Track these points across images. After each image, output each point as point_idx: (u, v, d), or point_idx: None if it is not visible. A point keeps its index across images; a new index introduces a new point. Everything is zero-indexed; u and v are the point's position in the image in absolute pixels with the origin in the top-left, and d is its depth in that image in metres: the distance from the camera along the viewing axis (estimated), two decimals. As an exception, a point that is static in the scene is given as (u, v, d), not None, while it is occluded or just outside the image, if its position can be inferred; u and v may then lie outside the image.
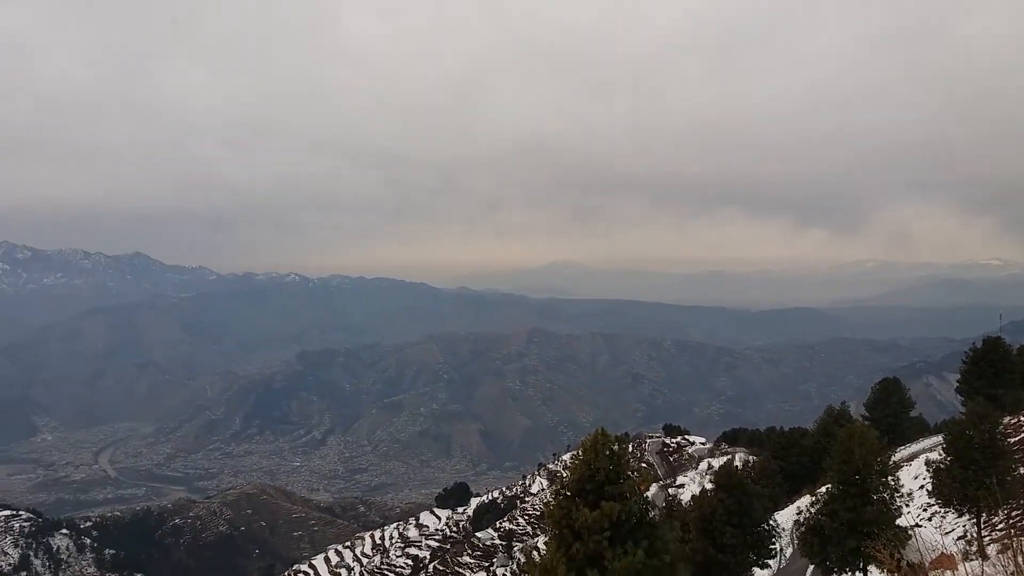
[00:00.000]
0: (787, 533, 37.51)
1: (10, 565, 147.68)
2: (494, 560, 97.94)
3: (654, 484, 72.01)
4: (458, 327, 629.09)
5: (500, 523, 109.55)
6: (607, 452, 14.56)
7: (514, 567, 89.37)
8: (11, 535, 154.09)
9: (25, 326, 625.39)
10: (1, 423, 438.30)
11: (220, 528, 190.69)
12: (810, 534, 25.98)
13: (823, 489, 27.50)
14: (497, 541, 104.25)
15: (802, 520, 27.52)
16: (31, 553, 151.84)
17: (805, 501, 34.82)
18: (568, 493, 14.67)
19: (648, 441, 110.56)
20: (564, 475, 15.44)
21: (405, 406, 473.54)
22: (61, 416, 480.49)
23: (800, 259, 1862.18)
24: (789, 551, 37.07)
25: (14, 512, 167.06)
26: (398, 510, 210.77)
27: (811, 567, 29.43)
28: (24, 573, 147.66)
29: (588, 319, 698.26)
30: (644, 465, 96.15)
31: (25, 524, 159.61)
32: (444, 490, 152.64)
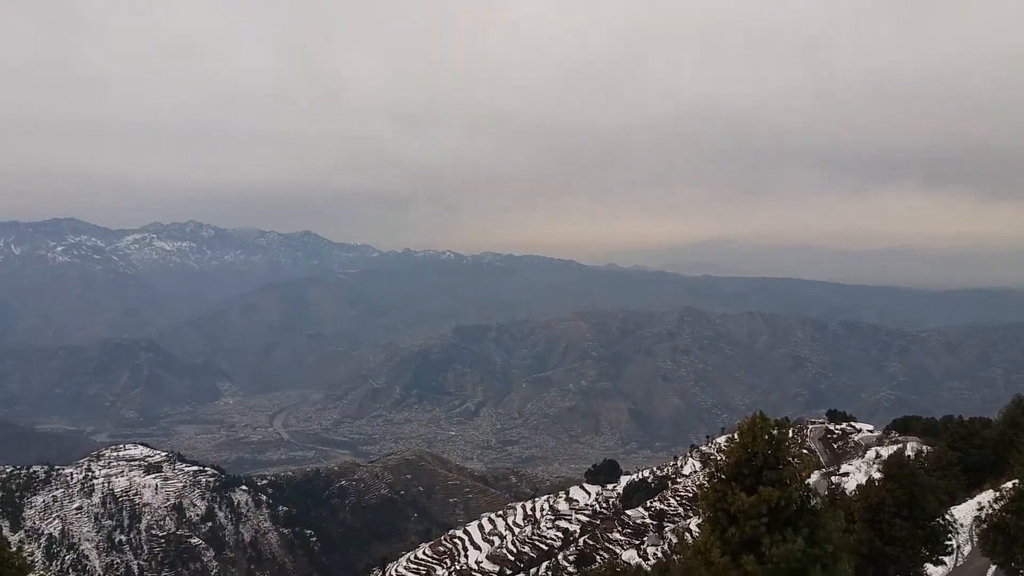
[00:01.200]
0: (965, 530, 34.75)
1: (198, 515, 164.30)
2: (644, 539, 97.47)
3: (816, 471, 68.73)
4: (607, 304, 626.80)
5: (650, 502, 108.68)
6: (766, 436, 14.12)
7: (665, 547, 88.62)
8: (199, 488, 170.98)
9: (209, 300, 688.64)
10: (190, 387, 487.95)
11: (382, 491, 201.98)
12: (993, 532, 23.96)
13: (1009, 484, 25.22)
14: (648, 520, 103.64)
15: (984, 517, 25.43)
16: (215, 506, 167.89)
17: (988, 496, 32.09)
18: (723, 476, 14.37)
19: (810, 427, 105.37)
20: (719, 458, 15.10)
21: (554, 382, 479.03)
22: (241, 382, 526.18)
23: (984, 235, 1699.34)
24: (967, 549, 34.36)
25: (201, 468, 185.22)
26: (548, 483, 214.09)
27: (992, 568, 27.18)
28: (210, 523, 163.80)
29: (745, 298, 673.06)
30: (805, 451, 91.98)
31: (210, 479, 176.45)
32: (593, 466, 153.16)
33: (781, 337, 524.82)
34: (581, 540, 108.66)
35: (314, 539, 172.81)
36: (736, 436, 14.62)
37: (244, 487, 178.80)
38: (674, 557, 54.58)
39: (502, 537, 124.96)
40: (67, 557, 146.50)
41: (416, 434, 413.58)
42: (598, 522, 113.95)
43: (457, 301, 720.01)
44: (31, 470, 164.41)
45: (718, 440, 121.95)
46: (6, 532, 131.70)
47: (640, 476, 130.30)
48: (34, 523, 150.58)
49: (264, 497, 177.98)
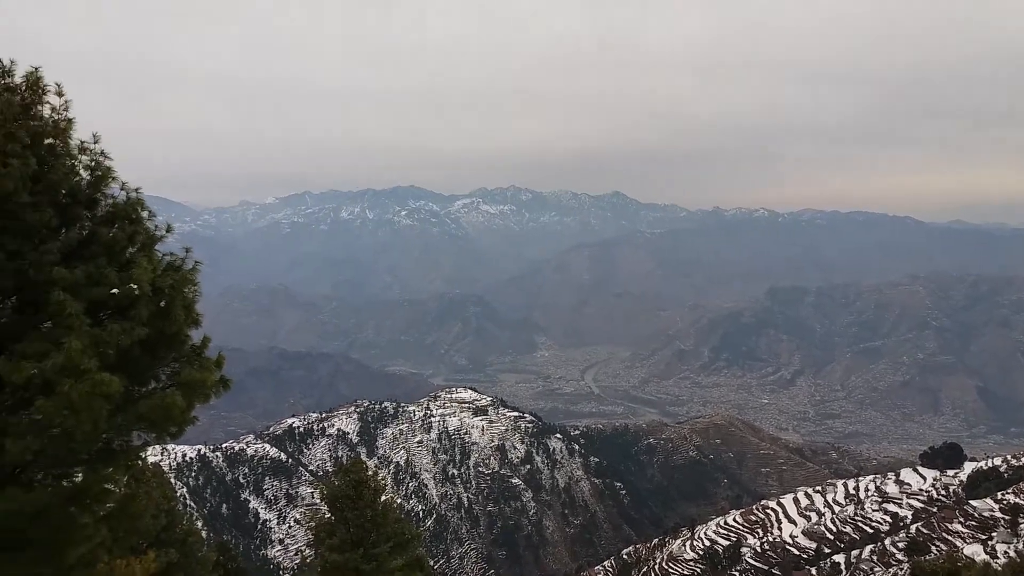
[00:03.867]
0: None
1: (518, 457, 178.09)
2: (993, 535, 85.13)
3: None
4: (951, 267, 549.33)
5: (1002, 494, 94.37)
6: None
7: (1020, 546, 76.55)
8: (519, 433, 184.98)
9: (527, 259, 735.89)
10: (511, 339, 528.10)
11: (690, 453, 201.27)
12: None
13: None
14: (998, 514, 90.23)
15: None
16: (533, 450, 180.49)
17: None
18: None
19: None
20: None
21: (884, 353, 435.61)
22: (555, 336, 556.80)
23: None
24: None
25: (520, 414, 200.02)
26: (874, 462, 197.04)
27: None
28: (528, 466, 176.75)
29: None
30: None
31: (529, 425, 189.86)
32: (930, 448, 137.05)
33: None
34: (913, 527, 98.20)
35: (623, 492, 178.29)
36: None
37: (558, 435, 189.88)
38: (1034, 561, 46.62)
39: (820, 514, 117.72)
40: (410, 484, 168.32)
41: (725, 399, 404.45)
42: (935, 510, 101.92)
43: (771, 262, 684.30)
44: (383, 405, 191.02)
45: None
46: (363, 457, 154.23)
47: (989, 463, 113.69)
48: (384, 452, 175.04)
49: (576, 447, 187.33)
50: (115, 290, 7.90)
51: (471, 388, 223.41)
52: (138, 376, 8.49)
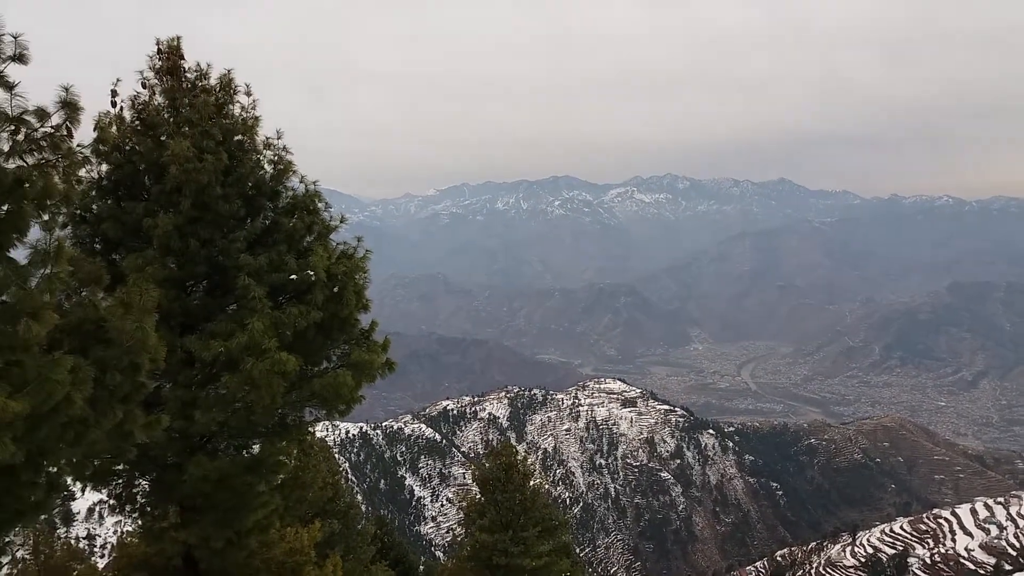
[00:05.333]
0: None
1: (668, 451, 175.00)
2: None
3: None
4: None
5: None
6: None
7: None
8: (669, 427, 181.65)
9: (683, 248, 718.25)
10: (663, 331, 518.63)
11: (854, 455, 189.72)
12: None
13: None
14: None
15: None
16: (684, 445, 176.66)
17: None
18: None
19: None
20: None
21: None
22: (710, 329, 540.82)
23: None
24: None
25: (671, 407, 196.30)
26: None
27: None
28: (678, 460, 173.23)
29: None
30: None
31: (680, 419, 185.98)
32: None
33: None
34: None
35: (779, 492, 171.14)
36: None
37: (711, 431, 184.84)
38: None
39: (1001, 527, 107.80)
40: (558, 471, 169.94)
41: (897, 400, 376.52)
42: None
43: (955, 254, 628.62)
44: (532, 392, 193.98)
45: None
46: (512, 442, 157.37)
47: None
48: (533, 437, 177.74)
49: (730, 444, 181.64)
50: (294, 276, 8.58)
51: (620, 379, 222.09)
52: (312, 356, 9.17)
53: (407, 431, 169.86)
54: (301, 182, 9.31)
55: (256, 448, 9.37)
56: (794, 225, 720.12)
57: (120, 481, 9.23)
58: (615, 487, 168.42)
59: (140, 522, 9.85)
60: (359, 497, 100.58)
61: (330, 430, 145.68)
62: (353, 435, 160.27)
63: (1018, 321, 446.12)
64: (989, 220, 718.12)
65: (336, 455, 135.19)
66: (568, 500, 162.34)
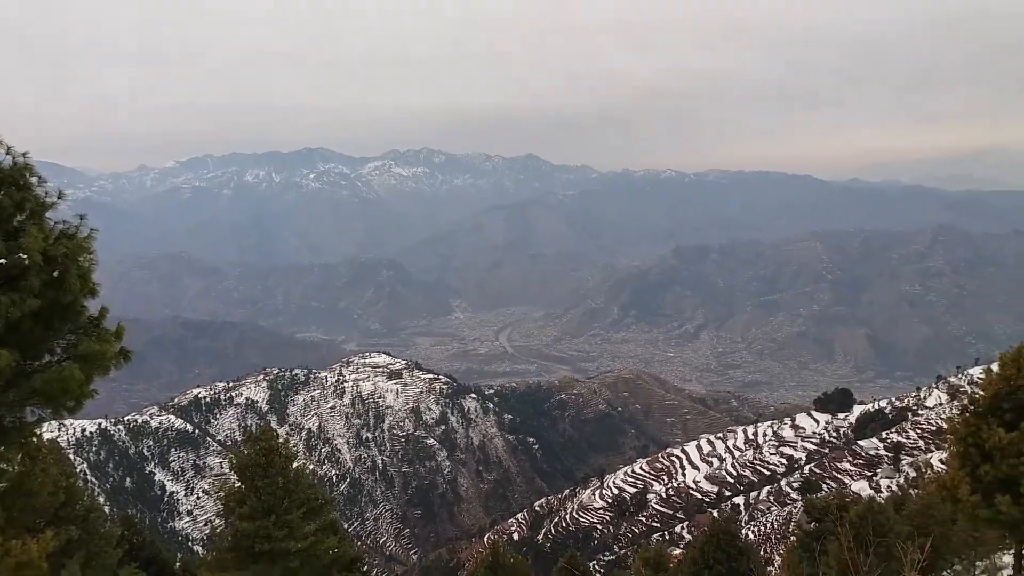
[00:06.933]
0: None
1: (433, 419, 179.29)
2: (878, 471, 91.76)
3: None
4: (847, 224, 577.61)
5: (887, 434, 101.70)
6: (1034, 367, 12.25)
7: (901, 480, 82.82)
8: (434, 395, 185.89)
9: (441, 221, 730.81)
10: (425, 302, 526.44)
11: (599, 406, 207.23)
12: None
13: None
14: (882, 452, 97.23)
15: None
16: (448, 411, 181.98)
17: None
18: (979, 410, 12.75)
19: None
20: (973, 391, 13.46)
21: (782, 306, 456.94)
22: (469, 298, 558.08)
23: None
24: None
25: (435, 376, 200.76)
26: (772, 409, 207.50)
27: None
28: (443, 426, 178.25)
29: (1015, 214, 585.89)
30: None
31: (444, 387, 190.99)
32: (824, 394, 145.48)
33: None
34: (807, 468, 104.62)
35: (536, 446, 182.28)
36: (997, 367, 12.83)
37: (473, 395, 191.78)
38: (912, 492, 50.78)
39: (721, 459, 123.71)
40: (323, 449, 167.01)
41: (633, 354, 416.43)
42: (826, 451, 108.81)
43: (677, 221, 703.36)
44: (293, 372, 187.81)
45: (970, 371, 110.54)
46: (273, 425, 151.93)
47: (876, 406, 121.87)
48: (296, 419, 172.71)
49: (491, 405, 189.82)
50: (3, 260, 7.66)
51: (385, 352, 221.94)
52: (31, 349, 8.27)
53: (154, 424, 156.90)
54: (8, 154, 8.27)
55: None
56: (541, 198, 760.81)
57: None
58: (383, 459, 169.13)
59: None
60: (101, 499, 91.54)
61: (62, 429, 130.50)
62: (91, 433, 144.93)
63: (729, 278, 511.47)
64: (705, 191, 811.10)
65: (71, 456, 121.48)
66: (335, 477, 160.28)
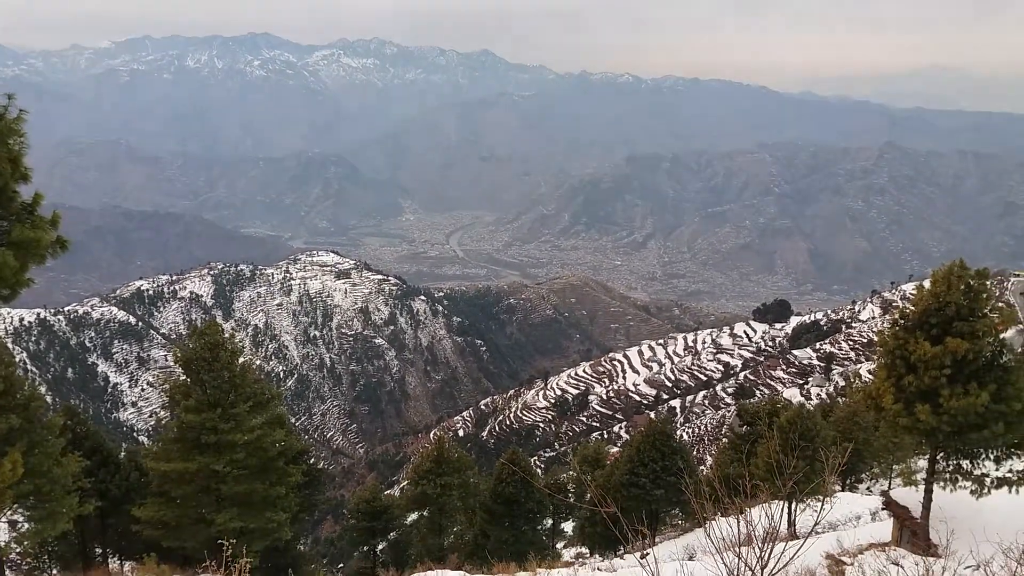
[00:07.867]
0: None
1: (382, 319, 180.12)
2: (809, 379, 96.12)
3: (1013, 327, 63.31)
4: (797, 136, 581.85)
5: (820, 344, 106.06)
6: (962, 286, 12.76)
7: (831, 389, 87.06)
8: (383, 295, 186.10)
9: (392, 118, 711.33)
10: (375, 202, 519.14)
11: (547, 312, 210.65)
12: None
13: None
14: (815, 361, 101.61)
15: None
16: (397, 312, 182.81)
17: None
18: (908, 324, 13.31)
19: (1012, 280, 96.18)
20: (904, 305, 14.01)
21: (729, 217, 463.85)
22: (420, 199, 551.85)
23: None
24: None
25: (385, 277, 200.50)
26: (712, 318, 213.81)
27: None
28: (392, 327, 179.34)
29: (959, 135, 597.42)
30: (1002, 305, 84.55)
31: (393, 288, 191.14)
32: (763, 305, 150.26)
33: (994, 180, 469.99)
34: (742, 375, 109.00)
35: (483, 348, 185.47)
36: (928, 284, 13.34)
37: (423, 297, 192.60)
38: (839, 399, 53.54)
39: (661, 364, 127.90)
40: (270, 346, 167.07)
41: (582, 261, 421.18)
42: (762, 359, 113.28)
43: (632, 128, 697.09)
44: (238, 268, 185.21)
45: (904, 287, 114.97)
46: (219, 320, 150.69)
47: (812, 318, 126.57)
48: (242, 315, 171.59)
49: (440, 308, 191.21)
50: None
51: (333, 251, 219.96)
52: (-40, 235, 7.94)
53: (95, 315, 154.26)
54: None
55: None
56: (495, 98, 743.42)
57: None
58: (330, 356, 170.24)
59: None
60: (43, 389, 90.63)
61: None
62: (29, 323, 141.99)
63: (679, 189, 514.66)
64: (661, 97, 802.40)
65: (10, 345, 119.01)
66: (283, 373, 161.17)
